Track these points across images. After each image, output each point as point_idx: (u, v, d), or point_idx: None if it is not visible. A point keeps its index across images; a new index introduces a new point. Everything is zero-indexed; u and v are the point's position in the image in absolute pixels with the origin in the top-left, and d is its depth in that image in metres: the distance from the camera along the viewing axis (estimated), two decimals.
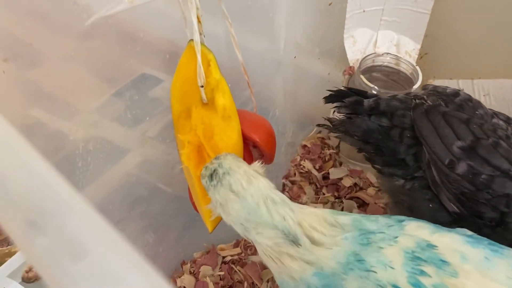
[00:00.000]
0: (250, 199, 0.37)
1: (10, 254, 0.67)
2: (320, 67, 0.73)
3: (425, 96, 0.49)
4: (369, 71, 0.71)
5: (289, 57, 0.65)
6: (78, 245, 0.23)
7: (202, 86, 0.44)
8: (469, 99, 0.49)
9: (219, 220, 0.49)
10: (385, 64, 0.69)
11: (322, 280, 0.37)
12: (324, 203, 0.70)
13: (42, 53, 0.51)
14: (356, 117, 0.51)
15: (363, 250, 0.37)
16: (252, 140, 0.46)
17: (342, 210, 0.70)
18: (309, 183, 0.73)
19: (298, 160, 0.76)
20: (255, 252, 0.66)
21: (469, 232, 0.40)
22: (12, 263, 0.65)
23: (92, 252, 0.23)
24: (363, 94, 0.52)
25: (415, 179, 0.48)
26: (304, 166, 0.75)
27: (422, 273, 0.35)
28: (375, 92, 0.62)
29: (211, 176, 0.39)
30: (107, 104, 0.64)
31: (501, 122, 0.47)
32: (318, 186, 0.73)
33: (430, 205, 0.47)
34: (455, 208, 0.45)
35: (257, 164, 0.40)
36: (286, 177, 0.74)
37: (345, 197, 0.71)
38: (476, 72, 0.69)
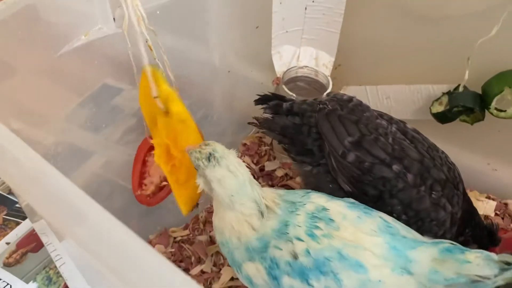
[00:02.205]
0: (241, 177, 0.50)
1: None
2: (254, 77, 0.87)
3: (327, 102, 0.63)
4: (294, 80, 0.85)
5: (224, 71, 0.78)
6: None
7: (156, 97, 0.56)
8: (359, 104, 0.63)
9: (193, 206, 0.62)
10: (306, 75, 0.84)
11: (259, 243, 0.51)
12: None
13: (16, 70, 0.62)
14: (276, 116, 0.65)
15: (289, 217, 0.51)
16: None
17: None
18: None
19: (239, 156, 0.89)
20: (202, 233, 0.79)
21: (352, 200, 0.55)
22: None
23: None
24: (282, 98, 0.66)
25: (320, 165, 0.62)
26: (243, 161, 0.88)
27: (316, 227, 0.50)
28: (293, 98, 0.76)
29: (208, 159, 0.50)
30: (73, 112, 0.74)
31: (383, 122, 0.61)
32: (256, 177, 0.87)
33: (330, 186, 0.61)
34: (348, 188, 0.59)
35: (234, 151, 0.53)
36: None
37: (277, 185, 0.85)
38: (380, 79, 0.84)
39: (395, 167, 0.56)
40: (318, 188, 0.63)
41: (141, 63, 0.56)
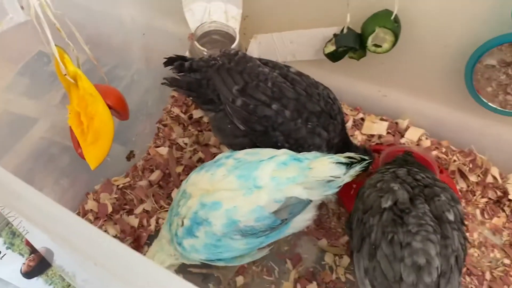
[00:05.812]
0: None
1: None
2: (173, 35, 0.96)
3: (218, 58, 0.73)
4: (208, 34, 0.94)
5: (139, 33, 0.87)
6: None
7: (65, 74, 0.67)
8: (244, 56, 0.74)
9: (100, 161, 0.73)
10: (217, 28, 0.93)
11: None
12: (189, 136, 0.96)
13: None
14: (182, 75, 0.75)
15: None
16: (107, 103, 0.70)
17: (203, 139, 0.96)
18: (178, 124, 0.98)
19: (169, 107, 1.01)
20: (141, 179, 0.91)
21: (210, 163, 0.68)
22: None
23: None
24: (184, 58, 0.75)
25: (220, 111, 0.73)
26: (173, 112, 1.00)
27: (178, 206, 0.66)
28: (205, 53, 0.86)
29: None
30: (13, 82, 0.82)
31: (265, 69, 0.72)
32: (186, 125, 0.98)
33: (229, 126, 0.73)
34: (242, 126, 0.72)
35: None
36: (159, 121, 0.99)
37: (205, 129, 0.97)
38: (283, 26, 0.94)
39: (274, 106, 0.69)
40: (220, 129, 0.75)
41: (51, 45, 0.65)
